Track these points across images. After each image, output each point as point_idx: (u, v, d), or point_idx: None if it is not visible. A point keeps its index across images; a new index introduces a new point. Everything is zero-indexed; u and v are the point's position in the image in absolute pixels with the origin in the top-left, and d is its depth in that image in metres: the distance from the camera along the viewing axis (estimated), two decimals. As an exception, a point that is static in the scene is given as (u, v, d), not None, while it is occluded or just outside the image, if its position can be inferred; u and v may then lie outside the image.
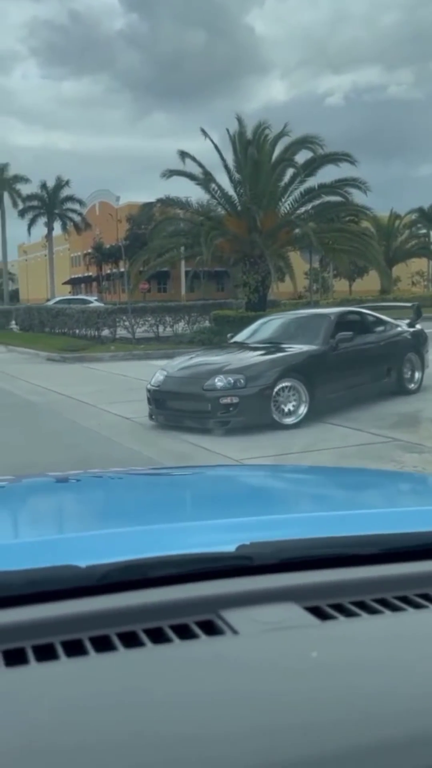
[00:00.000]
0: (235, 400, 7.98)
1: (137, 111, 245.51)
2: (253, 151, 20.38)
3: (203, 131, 20.87)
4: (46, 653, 0.84)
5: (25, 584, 0.95)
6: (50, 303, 33.32)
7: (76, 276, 72.22)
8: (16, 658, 0.83)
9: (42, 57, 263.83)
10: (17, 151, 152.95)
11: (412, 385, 10.42)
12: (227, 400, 7.99)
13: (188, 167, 20.69)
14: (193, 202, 23.58)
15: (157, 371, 8.94)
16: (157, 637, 0.87)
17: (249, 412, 8.01)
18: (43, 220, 54.62)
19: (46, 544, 1.17)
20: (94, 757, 0.66)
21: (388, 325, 10.57)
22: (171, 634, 0.88)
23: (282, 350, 8.90)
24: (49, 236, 56.57)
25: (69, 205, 54.91)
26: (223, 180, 21.25)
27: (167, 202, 23.00)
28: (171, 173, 20.78)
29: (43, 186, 53.81)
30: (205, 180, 20.96)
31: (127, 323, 21.48)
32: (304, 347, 8.93)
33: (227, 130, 21.28)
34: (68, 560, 0.98)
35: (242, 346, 9.64)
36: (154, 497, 1.82)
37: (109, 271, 62.90)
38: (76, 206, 55.43)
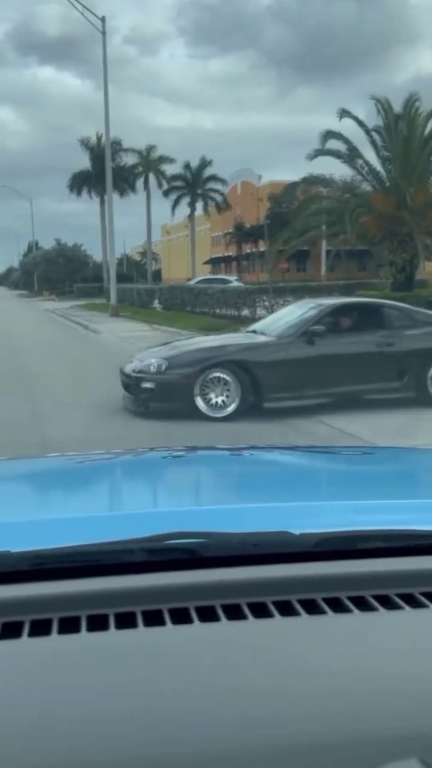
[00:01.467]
0: (152, 385, 7.83)
1: (281, 87, 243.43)
2: (402, 125, 19.57)
3: (345, 111, 20.18)
4: (260, 611, 0.90)
5: (244, 546, 1.02)
6: (191, 283, 33.97)
7: (216, 256, 73.01)
8: (235, 613, 0.89)
9: (189, 37, 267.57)
10: (162, 131, 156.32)
11: None
12: (147, 385, 7.87)
13: (332, 144, 20.20)
14: (337, 180, 22.98)
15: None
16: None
17: (168, 398, 7.83)
18: (186, 200, 55.61)
19: (264, 510, 1.24)
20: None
21: (421, 322, 8.74)
22: (375, 603, 0.93)
23: (241, 340, 8.64)
24: (191, 216, 57.55)
25: (211, 184, 55.49)
26: (369, 156, 20.58)
27: (311, 181, 22.63)
28: (316, 153, 20.38)
29: (187, 166, 54.68)
30: (351, 156, 20.38)
31: (267, 303, 21.46)
32: (262, 338, 8.43)
33: (376, 104, 20.51)
34: (283, 527, 1.04)
35: (241, 333, 9.39)
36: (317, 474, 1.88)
37: (248, 251, 63.10)
38: (219, 186, 55.92)
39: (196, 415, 7.68)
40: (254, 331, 9.13)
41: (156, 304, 32.29)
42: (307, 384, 8.04)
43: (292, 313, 9.12)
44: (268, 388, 7.85)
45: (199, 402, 7.77)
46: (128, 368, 8.25)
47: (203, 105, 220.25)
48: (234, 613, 0.89)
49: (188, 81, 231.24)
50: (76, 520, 1.21)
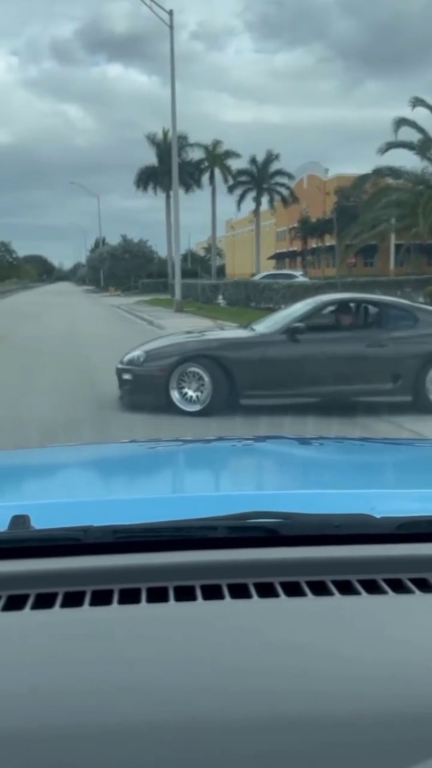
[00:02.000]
0: (130, 376, 7.96)
1: (349, 81, 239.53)
2: None
3: (418, 99, 19.47)
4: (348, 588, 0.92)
5: (325, 526, 1.04)
6: (256, 278, 33.64)
7: (281, 251, 72.43)
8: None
9: (256, 31, 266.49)
10: (228, 126, 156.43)
11: None
12: (126, 376, 8.02)
13: (403, 134, 19.54)
14: (410, 171, 22.24)
15: None
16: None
17: (143, 391, 7.91)
18: (251, 195, 55.25)
19: (342, 495, 1.30)
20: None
21: (424, 322, 8.03)
22: None
23: (228, 334, 8.61)
24: (256, 211, 57.14)
25: (278, 179, 54.95)
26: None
27: (382, 173, 21.96)
28: (388, 146, 19.76)
29: (253, 160, 54.28)
30: (424, 147, 19.67)
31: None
32: (245, 334, 8.32)
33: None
34: (363, 510, 1.08)
35: (242, 328, 9.18)
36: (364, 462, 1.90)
37: (314, 246, 62.30)
38: (285, 180, 55.35)
39: (171, 408, 7.66)
40: (251, 326, 8.90)
41: (220, 299, 32.12)
42: (286, 382, 7.71)
43: (295, 309, 8.80)
44: (244, 384, 7.67)
45: (175, 395, 7.76)
46: (123, 359, 8.36)
47: (269, 99, 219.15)
48: (320, 589, 0.91)
49: (254, 75, 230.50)
50: (158, 500, 1.27)
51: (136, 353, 8.12)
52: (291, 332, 7.83)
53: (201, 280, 42.12)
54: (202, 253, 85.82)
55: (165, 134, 54.76)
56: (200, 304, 30.96)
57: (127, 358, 8.18)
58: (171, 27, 25.50)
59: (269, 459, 1.97)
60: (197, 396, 7.73)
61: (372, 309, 8.46)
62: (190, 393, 7.75)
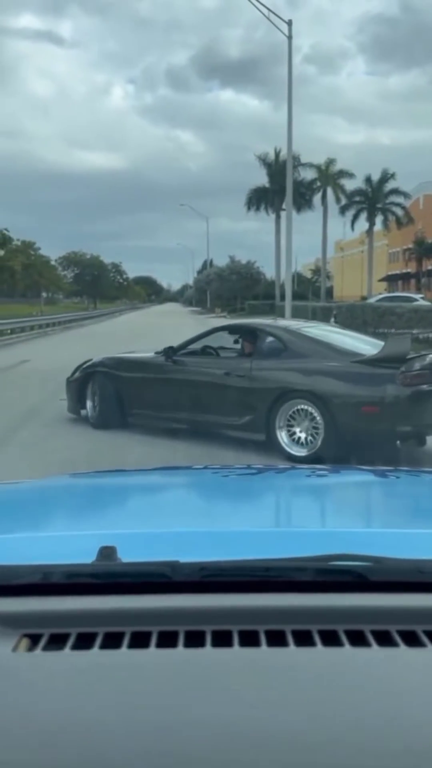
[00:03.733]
0: (72, 382, 8.63)
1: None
2: None
3: None
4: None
5: (415, 573, 1.01)
6: (373, 300, 31.58)
7: (393, 273, 69.73)
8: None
9: (369, 53, 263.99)
10: (339, 149, 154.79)
11: (301, 450, 6.48)
12: (71, 379, 8.71)
13: None
14: None
15: None
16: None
17: (70, 400, 8.64)
18: (364, 215, 53.19)
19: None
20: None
21: (296, 353, 6.76)
22: None
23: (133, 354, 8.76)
24: (369, 231, 55.00)
25: (393, 198, 52.64)
26: None
27: None
28: None
29: (368, 180, 52.31)
30: None
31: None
32: (142, 355, 8.45)
33: None
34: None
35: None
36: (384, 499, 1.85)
37: (429, 267, 59.33)
38: (401, 199, 52.96)
39: (82, 418, 8.38)
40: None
41: (332, 323, 30.39)
42: (164, 405, 7.56)
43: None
44: (130, 403, 7.87)
45: (88, 405, 8.31)
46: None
47: (381, 121, 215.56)
48: (412, 639, 0.88)
49: (367, 97, 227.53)
50: (243, 535, 1.24)
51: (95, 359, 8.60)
52: (170, 356, 7.61)
53: (309, 302, 40.52)
54: (308, 274, 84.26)
55: (277, 154, 53.86)
56: (311, 328, 29.36)
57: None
58: (289, 38, 24.33)
59: (349, 491, 1.91)
60: (92, 408, 8.21)
61: (252, 336, 7.55)
62: (89, 405, 8.26)
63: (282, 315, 37.29)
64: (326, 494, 1.85)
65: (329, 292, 70.10)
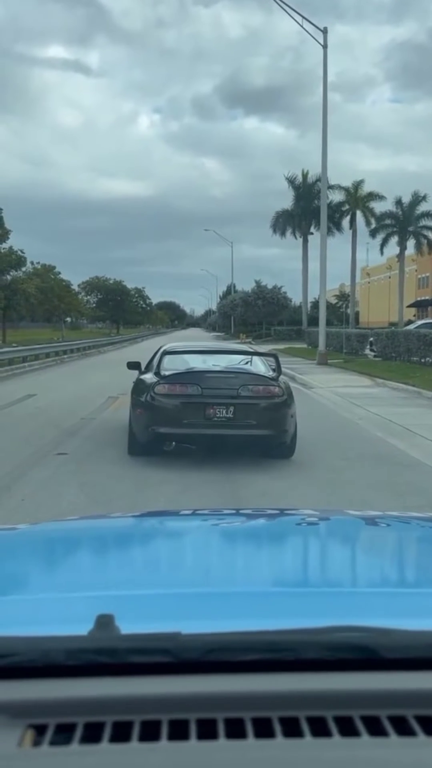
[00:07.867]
0: None
1: None
2: None
3: None
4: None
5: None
6: (412, 327, 29.60)
7: (423, 298, 67.66)
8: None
9: (395, 81, 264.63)
10: (364, 175, 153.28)
11: None
12: None
13: None
14: None
15: None
16: None
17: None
18: (394, 239, 51.38)
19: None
20: None
21: None
22: None
23: None
24: (401, 255, 53.09)
25: (425, 221, 50.77)
26: None
27: None
28: None
29: (398, 202, 50.55)
30: None
31: None
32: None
33: None
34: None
35: None
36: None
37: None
38: (433, 222, 51.02)
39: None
40: None
41: (368, 350, 28.43)
42: None
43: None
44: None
45: None
46: None
47: (407, 148, 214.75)
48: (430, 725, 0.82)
49: (392, 125, 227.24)
50: (243, 596, 1.20)
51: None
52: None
53: (345, 328, 38.67)
54: (333, 300, 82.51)
55: (305, 176, 52.44)
56: (344, 356, 27.39)
57: None
58: (324, 47, 22.80)
59: (347, 543, 1.83)
60: None
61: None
62: None
63: (311, 341, 35.36)
64: (324, 547, 1.78)
65: (356, 317, 68.23)
